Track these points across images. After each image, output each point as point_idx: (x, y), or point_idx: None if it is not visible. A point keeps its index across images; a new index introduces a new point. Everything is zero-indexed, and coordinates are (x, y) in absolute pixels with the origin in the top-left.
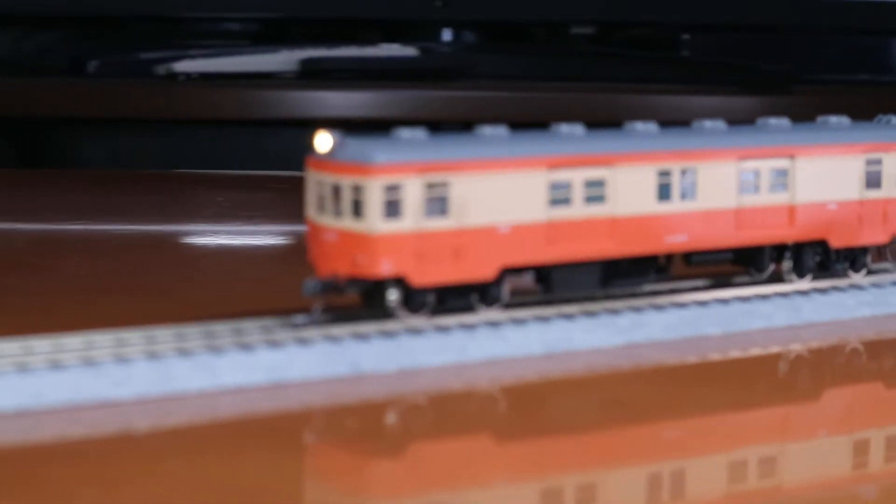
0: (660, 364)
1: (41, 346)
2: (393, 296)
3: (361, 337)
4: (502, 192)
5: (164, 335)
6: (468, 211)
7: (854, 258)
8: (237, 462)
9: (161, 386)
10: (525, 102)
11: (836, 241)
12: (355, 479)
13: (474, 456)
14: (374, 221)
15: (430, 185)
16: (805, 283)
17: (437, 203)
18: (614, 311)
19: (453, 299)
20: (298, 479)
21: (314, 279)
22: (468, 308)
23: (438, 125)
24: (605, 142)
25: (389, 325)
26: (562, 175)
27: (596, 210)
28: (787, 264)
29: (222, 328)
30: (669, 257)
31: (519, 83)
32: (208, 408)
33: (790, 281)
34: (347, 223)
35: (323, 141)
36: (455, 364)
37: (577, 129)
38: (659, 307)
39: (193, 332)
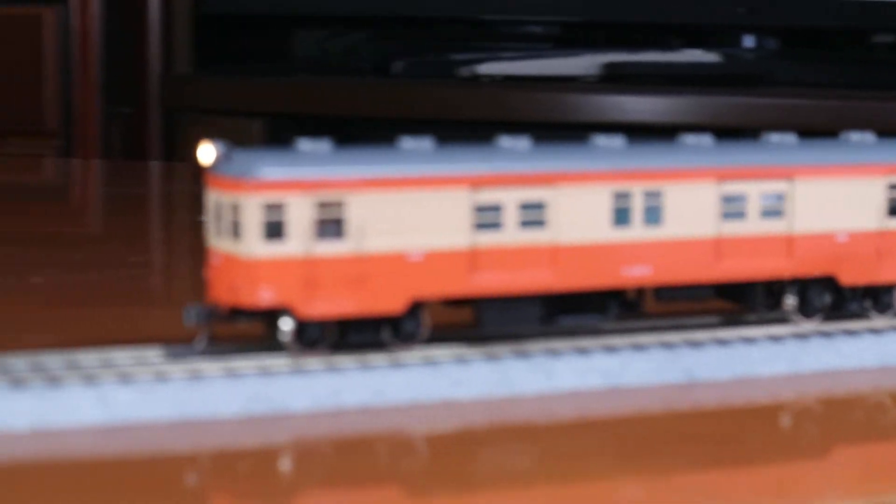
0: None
1: None
2: (286, 326)
3: (695, 344)
4: (412, 215)
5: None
6: (369, 235)
7: (876, 297)
8: (578, 463)
9: (499, 387)
10: (824, 110)
11: (848, 278)
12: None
13: None
14: (253, 244)
15: (322, 205)
16: (812, 325)
17: (331, 225)
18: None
19: (358, 334)
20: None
21: (195, 306)
22: (377, 344)
23: (736, 132)
24: (547, 159)
25: (722, 334)
26: (489, 196)
27: (533, 236)
28: (790, 303)
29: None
30: (641, 291)
31: (819, 91)
32: (545, 409)
33: (795, 322)
34: (227, 245)
35: (205, 152)
36: (787, 374)
37: (521, 143)
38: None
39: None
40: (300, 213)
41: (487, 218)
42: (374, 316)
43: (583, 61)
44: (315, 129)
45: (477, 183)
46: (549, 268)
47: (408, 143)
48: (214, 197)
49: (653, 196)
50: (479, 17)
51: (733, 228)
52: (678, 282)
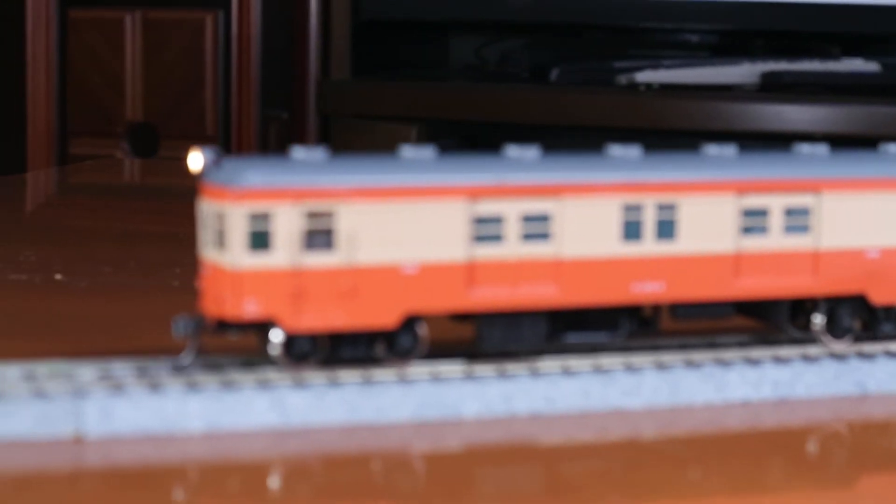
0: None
1: None
2: (277, 338)
3: (867, 357)
4: (406, 226)
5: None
6: (361, 246)
7: None
8: (747, 474)
9: (669, 397)
10: None
11: (880, 297)
12: None
13: None
14: (237, 255)
15: (312, 215)
16: (842, 347)
17: (321, 236)
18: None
19: (351, 349)
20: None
21: (184, 318)
22: (370, 359)
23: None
24: (553, 169)
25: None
26: (488, 207)
27: (536, 249)
28: (818, 323)
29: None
30: (657, 308)
31: None
32: (714, 419)
33: (824, 343)
34: (214, 256)
35: (194, 160)
36: None
37: (528, 152)
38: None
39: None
40: (287, 222)
41: (487, 230)
42: (365, 330)
43: (741, 70)
44: (470, 135)
45: (475, 193)
46: (553, 283)
47: (406, 151)
48: (204, 206)
49: (666, 209)
50: (638, 25)
51: (754, 244)
52: (693, 299)
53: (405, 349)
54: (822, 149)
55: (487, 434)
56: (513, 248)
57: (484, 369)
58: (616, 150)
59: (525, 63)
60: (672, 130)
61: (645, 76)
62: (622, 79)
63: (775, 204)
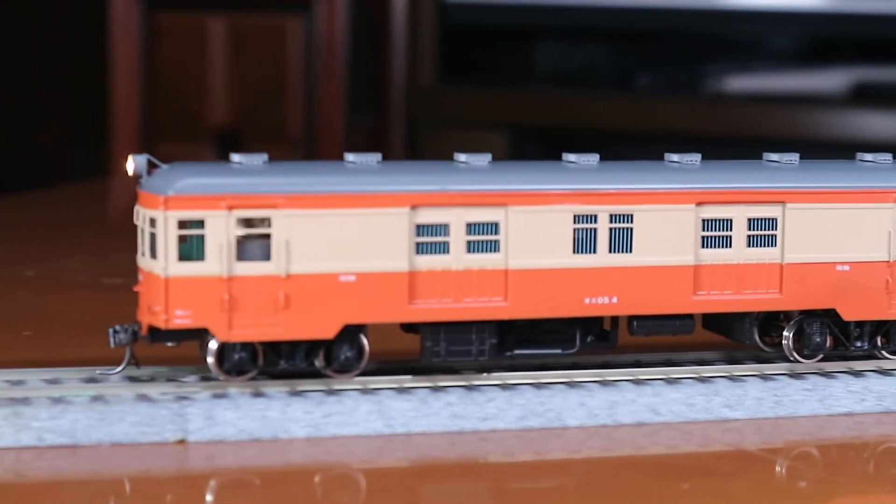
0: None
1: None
2: (213, 346)
3: None
4: (345, 234)
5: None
6: (297, 254)
7: (890, 335)
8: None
9: (772, 408)
10: None
11: (851, 312)
12: None
13: None
14: (168, 262)
15: (246, 222)
16: (810, 364)
17: (255, 244)
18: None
19: (289, 360)
20: None
21: (118, 327)
22: (310, 371)
23: None
24: (501, 177)
25: None
26: (432, 215)
27: (482, 260)
28: (786, 338)
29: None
30: (615, 321)
31: None
32: (819, 431)
33: (794, 360)
34: (146, 263)
35: (130, 166)
36: None
37: (479, 160)
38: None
39: None
40: (220, 230)
41: (430, 239)
42: (302, 340)
43: (831, 77)
44: (556, 141)
45: (419, 202)
46: (500, 294)
47: (350, 158)
48: (139, 212)
49: (621, 219)
50: (726, 32)
51: (715, 256)
52: (650, 313)
53: (346, 361)
54: (791, 158)
55: (590, 443)
56: (457, 258)
57: (586, 375)
58: (571, 158)
59: (611, 70)
60: (759, 139)
61: (733, 84)
62: (710, 86)
63: (738, 215)
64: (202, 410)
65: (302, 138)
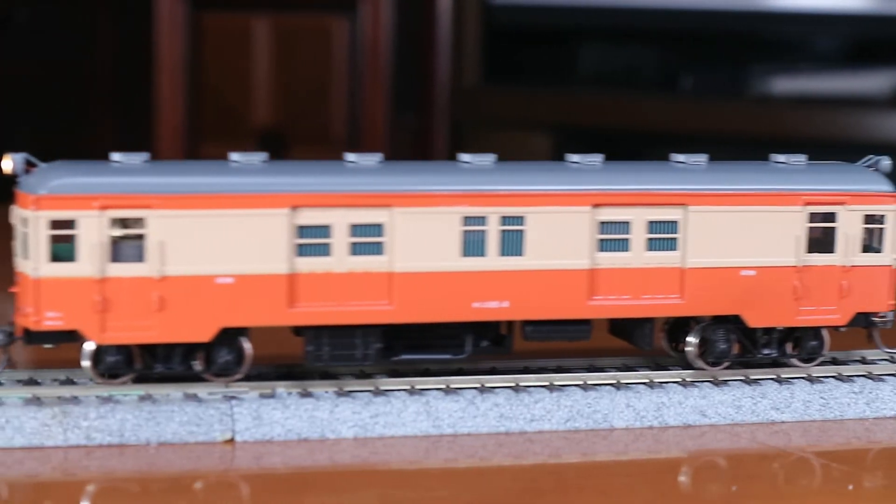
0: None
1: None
2: (89, 348)
3: None
4: (222, 235)
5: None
6: (172, 256)
7: (798, 342)
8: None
9: (819, 410)
10: None
11: (756, 319)
12: None
13: None
14: (39, 263)
15: (119, 222)
16: (714, 372)
17: (129, 244)
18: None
19: (166, 363)
20: None
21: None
22: (190, 375)
23: None
24: (386, 177)
25: None
26: (313, 216)
27: (367, 263)
28: (690, 345)
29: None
30: (511, 326)
31: None
32: (866, 434)
33: (698, 367)
34: (20, 264)
35: (6, 164)
36: None
37: (369, 159)
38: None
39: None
40: (92, 230)
41: (311, 241)
42: (178, 343)
43: (876, 79)
44: (600, 142)
45: (299, 203)
46: (385, 298)
47: (235, 157)
48: (15, 212)
49: (512, 221)
50: (770, 34)
51: (612, 260)
52: (543, 318)
53: (226, 365)
54: (698, 159)
55: (636, 445)
56: (340, 260)
57: (635, 377)
58: (466, 158)
59: (655, 71)
60: (803, 141)
61: (776, 85)
62: (754, 88)
63: (637, 218)
64: (250, 410)
65: (346, 139)
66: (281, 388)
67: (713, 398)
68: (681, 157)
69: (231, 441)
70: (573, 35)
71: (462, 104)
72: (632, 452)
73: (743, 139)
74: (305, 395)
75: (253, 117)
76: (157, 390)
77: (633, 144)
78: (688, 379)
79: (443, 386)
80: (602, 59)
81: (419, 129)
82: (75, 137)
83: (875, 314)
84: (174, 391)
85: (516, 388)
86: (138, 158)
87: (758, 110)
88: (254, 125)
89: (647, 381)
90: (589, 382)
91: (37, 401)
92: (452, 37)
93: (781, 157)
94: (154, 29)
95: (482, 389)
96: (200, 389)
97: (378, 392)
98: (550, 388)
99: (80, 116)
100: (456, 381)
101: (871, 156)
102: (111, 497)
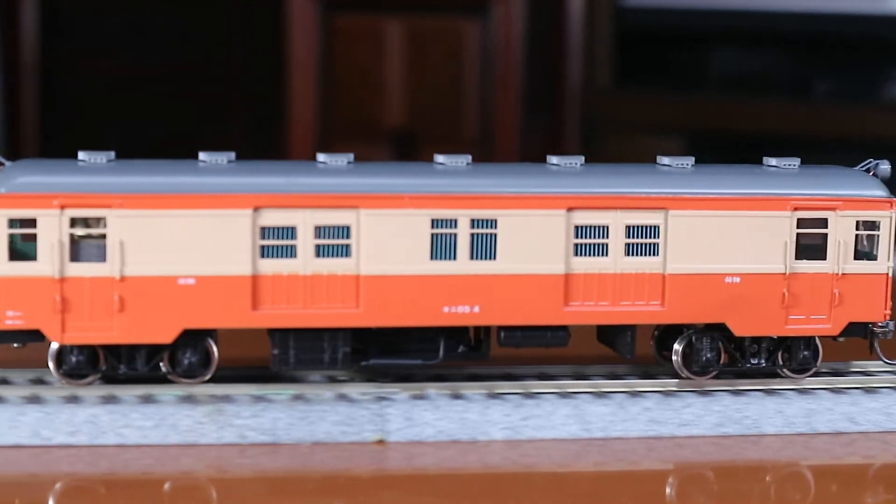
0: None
1: None
2: (54, 348)
3: None
4: (184, 235)
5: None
6: (132, 256)
7: (791, 352)
8: None
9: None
10: None
11: (742, 327)
12: None
13: None
14: None
15: (80, 221)
16: (701, 381)
17: (90, 244)
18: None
19: (130, 365)
20: None
21: None
22: (156, 377)
23: None
24: (353, 178)
25: None
26: (277, 218)
27: (333, 265)
28: (676, 354)
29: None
30: (488, 331)
31: None
32: None
33: (685, 377)
34: None
35: None
36: None
37: (339, 160)
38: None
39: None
40: (52, 229)
41: (276, 242)
42: (140, 343)
43: None
44: (731, 147)
45: (263, 204)
46: (352, 301)
47: (203, 157)
48: None
49: (483, 224)
50: None
51: (589, 265)
52: (516, 323)
53: (191, 367)
54: (684, 162)
55: (786, 451)
56: (305, 262)
57: (783, 383)
58: (441, 159)
59: (788, 75)
60: None
61: None
62: (889, 92)
63: (614, 222)
64: (401, 411)
65: (478, 140)
66: (432, 389)
67: (864, 405)
68: (666, 160)
69: (383, 441)
70: (706, 38)
71: (593, 106)
72: (782, 459)
73: (876, 144)
74: (456, 396)
75: (385, 118)
76: (310, 390)
77: (765, 149)
78: (838, 385)
79: (593, 390)
80: (734, 63)
81: (550, 130)
82: (209, 138)
83: (874, 324)
84: (326, 391)
85: (666, 393)
86: (103, 157)
87: (892, 115)
88: (385, 126)
89: (796, 387)
90: (739, 388)
91: (191, 399)
92: (584, 39)
93: (773, 161)
94: (286, 30)
95: (632, 394)
96: (352, 390)
97: (528, 395)
98: (700, 392)
99: (215, 117)
100: (606, 385)
101: (871, 159)
102: (264, 495)
